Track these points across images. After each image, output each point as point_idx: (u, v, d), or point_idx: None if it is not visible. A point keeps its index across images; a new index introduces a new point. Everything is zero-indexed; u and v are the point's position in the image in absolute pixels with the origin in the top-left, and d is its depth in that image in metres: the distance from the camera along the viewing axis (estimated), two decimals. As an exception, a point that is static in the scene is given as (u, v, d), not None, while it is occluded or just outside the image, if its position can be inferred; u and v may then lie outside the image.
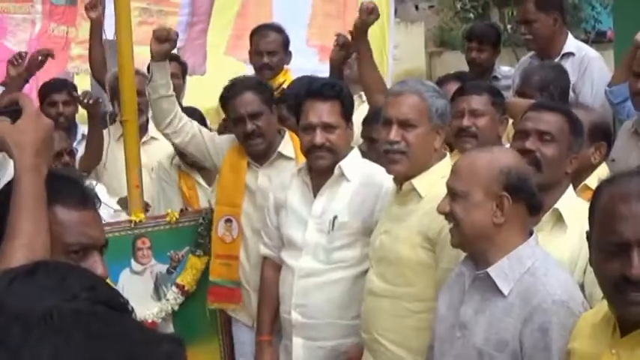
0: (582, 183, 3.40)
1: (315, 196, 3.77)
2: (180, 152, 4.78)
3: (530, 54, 5.54)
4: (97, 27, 5.27)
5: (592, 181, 3.34)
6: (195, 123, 4.47)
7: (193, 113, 4.79)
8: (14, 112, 1.96)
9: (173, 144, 4.62)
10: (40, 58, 5.15)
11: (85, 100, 4.91)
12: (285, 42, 5.46)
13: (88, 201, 2.02)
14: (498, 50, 6.01)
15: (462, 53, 12.77)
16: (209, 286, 4.38)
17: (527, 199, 2.67)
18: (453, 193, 2.72)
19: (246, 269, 4.20)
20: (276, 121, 4.24)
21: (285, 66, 5.48)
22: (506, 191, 2.63)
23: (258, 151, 4.19)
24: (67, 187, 2.03)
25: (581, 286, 2.71)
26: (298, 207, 3.82)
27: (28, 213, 1.86)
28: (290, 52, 5.51)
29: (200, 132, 4.42)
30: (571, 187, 3.11)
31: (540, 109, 3.19)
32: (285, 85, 5.37)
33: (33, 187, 1.89)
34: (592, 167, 3.48)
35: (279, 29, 5.53)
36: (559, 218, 2.98)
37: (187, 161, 4.89)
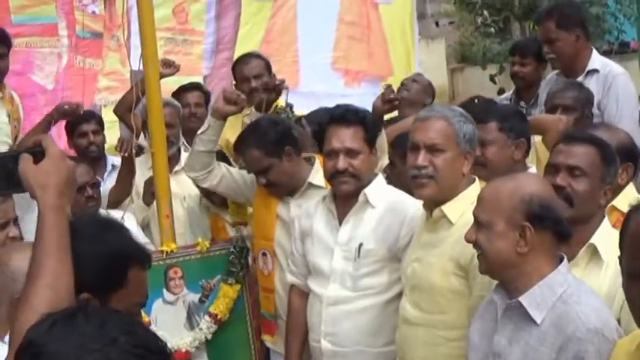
0: (610, 204, 3.35)
1: (340, 223, 3.78)
2: (207, 193, 4.80)
3: (555, 71, 5.53)
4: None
5: (619, 202, 3.33)
6: (222, 164, 4.51)
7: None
8: (38, 153, 2.01)
9: (200, 188, 4.67)
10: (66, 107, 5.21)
11: (121, 151, 4.91)
12: (267, 66, 5.52)
13: (151, 261, 2.22)
14: (544, 65, 5.89)
15: (482, 70, 12.82)
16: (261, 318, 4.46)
17: (553, 227, 2.63)
18: (477, 222, 2.72)
19: (283, 300, 4.19)
20: (291, 159, 4.15)
21: None
22: (528, 220, 2.61)
23: (281, 194, 4.23)
24: (139, 245, 2.20)
25: (618, 321, 2.65)
26: (324, 234, 3.83)
27: (52, 253, 1.90)
28: (274, 75, 5.55)
29: (228, 171, 4.47)
30: (607, 219, 3.06)
31: (571, 141, 3.14)
32: (278, 105, 5.43)
33: (57, 228, 1.93)
34: (619, 188, 3.44)
35: (258, 55, 5.62)
36: (594, 253, 2.94)
37: (215, 200, 4.91)
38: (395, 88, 5.00)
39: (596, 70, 5.24)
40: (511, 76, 5.96)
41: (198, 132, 4.40)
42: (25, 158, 2.00)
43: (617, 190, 3.42)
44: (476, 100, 4.66)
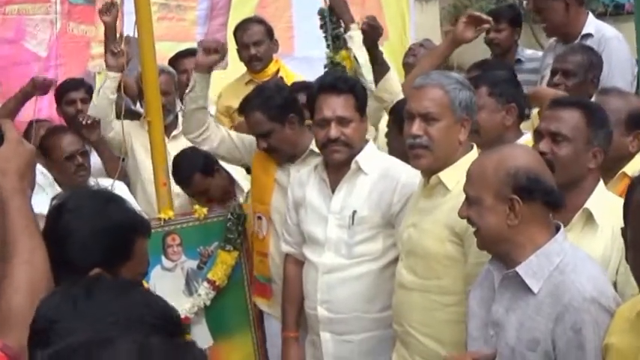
0: (621, 171, 3.35)
1: (333, 191, 3.80)
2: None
3: (554, 38, 5.54)
4: (110, 30, 5.30)
5: (631, 168, 3.32)
6: (222, 127, 4.52)
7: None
8: None
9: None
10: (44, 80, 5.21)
11: (84, 121, 4.96)
12: (269, 31, 5.51)
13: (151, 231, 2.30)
14: (518, 30, 5.94)
15: (478, 32, 12.71)
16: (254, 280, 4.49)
17: (542, 198, 2.62)
18: (467, 198, 2.73)
19: (278, 265, 4.22)
20: (294, 127, 4.16)
21: (275, 55, 5.54)
22: (515, 193, 2.60)
23: (282, 160, 4.24)
24: (141, 217, 2.28)
25: (614, 285, 2.68)
26: (317, 203, 3.85)
27: (22, 232, 1.96)
28: (276, 41, 5.56)
29: (229, 135, 4.46)
30: (601, 183, 3.05)
31: (556, 106, 3.12)
32: (280, 74, 5.44)
33: (22, 209, 2.00)
34: (631, 156, 3.42)
35: (259, 20, 5.61)
36: (589, 218, 2.95)
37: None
38: (391, 52, 5.01)
39: (590, 35, 5.24)
40: (487, 44, 5.94)
41: (187, 91, 4.40)
42: None
43: (629, 157, 3.41)
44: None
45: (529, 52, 6.02)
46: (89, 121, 4.92)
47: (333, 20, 4.62)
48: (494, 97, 3.83)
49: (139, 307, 1.51)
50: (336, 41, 4.57)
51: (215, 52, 4.31)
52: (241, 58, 5.51)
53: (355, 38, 4.48)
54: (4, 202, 1.99)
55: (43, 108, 5.65)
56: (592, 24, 5.33)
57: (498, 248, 2.69)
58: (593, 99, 3.62)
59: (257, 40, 5.39)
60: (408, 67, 5.80)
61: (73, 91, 5.37)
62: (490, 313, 2.70)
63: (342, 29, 4.59)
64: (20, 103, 5.22)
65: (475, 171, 2.73)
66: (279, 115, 4.11)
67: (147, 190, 4.95)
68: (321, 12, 4.68)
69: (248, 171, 4.69)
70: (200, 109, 4.35)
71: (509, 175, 2.62)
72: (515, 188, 2.61)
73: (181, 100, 5.37)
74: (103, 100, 4.85)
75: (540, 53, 5.87)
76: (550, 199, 2.64)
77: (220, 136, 4.41)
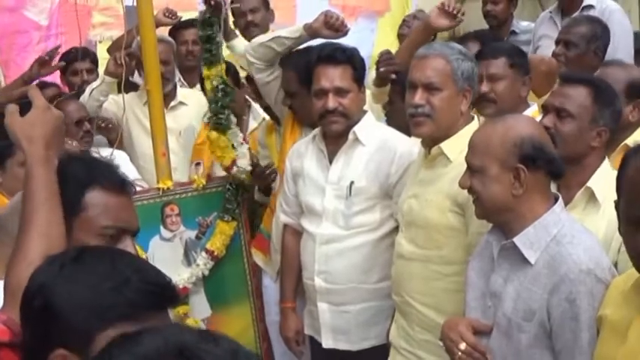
0: (622, 143, 3.34)
1: (330, 162, 3.80)
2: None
3: (549, 9, 5.51)
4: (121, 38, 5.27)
5: (632, 140, 3.30)
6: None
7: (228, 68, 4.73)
8: (24, 105, 2.00)
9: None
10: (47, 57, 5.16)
11: (103, 125, 5.02)
12: (265, 0, 5.47)
13: (126, 186, 2.08)
14: (515, 2, 5.94)
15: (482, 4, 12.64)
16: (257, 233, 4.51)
17: (546, 166, 2.63)
18: (470, 168, 2.72)
19: (278, 225, 4.21)
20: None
21: (271, 25, 5.50)
22: (521, 162, 2.60)
23: (304, 123, 4.23)
24: (107, 171, 2.08)
25: (615, 264, 2.65)
26: (315, 174, 3.85)
27: (43, 202, 1.90)
28: (272, 11, 5.53)
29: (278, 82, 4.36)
30: (606, 162, 3.03)
31: (565, 82, 3.10)
32: None
33: (45, 178, 1.93)
34: (631, 126, 3.41)
35: None
36: (592, 196, 2.93)
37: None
38: (393, 24, 4.97)
39: (591, 6, 5.22)
40: (484, 16, 5.93)
41: (281, 33, 4.27)
42: (11, 110, 2.00)
43: (629, 127, 3.41)
44: None
45: (524, 24, 6.01)
46: (105, 124, 5.00)
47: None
48: (515, 69, 3.86)
49: (129, 272, 1.49)
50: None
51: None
52: (238, 27, 5.48)
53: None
54: (28, 169, 1.95)
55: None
56: (594, -6, 5.30)
57: (500, 218, 2.69)
58: (597, 72, 3.61)
59: (253, 7, 5.37)
60: (402, 38, 5.77)
61: (78, 62, 5.36)
62: (489, 284, 2.70)
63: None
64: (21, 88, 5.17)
65: (479, 140, 2.73)
66: (309, 80, 3.98)
67: (140, 164, 4.97)
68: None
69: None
70: (278, 53, 4.24)
71: (515, 144, 2.62)
72: (521, 157, 2.61)
73: (180, 70, 5.36)
74: (93, 102, 4.93)
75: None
76: (553, 168, 2.65)
77: (275, 76, 4.31)
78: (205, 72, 4.43)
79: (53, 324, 1.46)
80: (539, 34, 5.41)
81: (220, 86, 4.41)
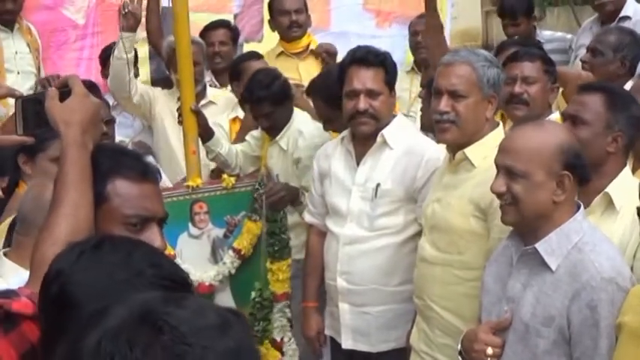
0: None
1: (358, 164, 3.83)
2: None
3: (590, 18, 5.52)
4: None
5: None
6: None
7: None
8: (65, 92, 2.06)
9: None
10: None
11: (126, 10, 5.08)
12: (305, 4, 5.55)
13: (149, 174, 2.09)
14: (534, 17, 5.96)
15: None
16: None
17: (581, 174, 2.65)
18: (511, 173, 2.67)
19: None
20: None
21: (308, 29, 5.57)
22: (566, 169, 2.61)
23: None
24: (129, 160, 2.10)
25: (630, 269, 2.66)
26: (342, 175, 3.88)
27: (74, 185, 1.94)
28: (309, 16, 5.60)
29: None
30: (627, 168, 3.03)
31: (581, 90, 3.12)
32: (312, 47, 5.45)
33: (79, 161, 1.97)
34: None
35: None
36: (610, 203, 2.94)
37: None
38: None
39: (628, 17, 5.21)
40: (507, 37, 5.92)
41: None
42: (52, 95, 2.05)
43: None
44: None
45: (547, 33, 6.04)
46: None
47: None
48: (548, 75, 3.92)
49: (144, 265, 1.52)
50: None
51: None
52: (278, 26, 5.52)
53: None
54: (62, 151, 1.99)
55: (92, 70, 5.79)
56: (631, 6, 5.32)
57: (534, 224, 2.67)
58: (629, 83, 3.61)
59: (298, 8, 5.43)
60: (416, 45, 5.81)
61: None
62: (506, 289, 2.71)
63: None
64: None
65: (522, 145, 2.68)
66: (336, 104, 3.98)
67: (174, 158, 5.03)
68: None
69: None
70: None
71: (562, 151, 2.63)
72: (566, 164, 2.62)
73: (212, 71, 5.42)
74: (116, 61, 5.00)
75: (559, 34, 5.88)
76: (585, 174, 2.67)
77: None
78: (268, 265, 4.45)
79: (67, 311, 1.50)
80: (579, 43, 5.46)
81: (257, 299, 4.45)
